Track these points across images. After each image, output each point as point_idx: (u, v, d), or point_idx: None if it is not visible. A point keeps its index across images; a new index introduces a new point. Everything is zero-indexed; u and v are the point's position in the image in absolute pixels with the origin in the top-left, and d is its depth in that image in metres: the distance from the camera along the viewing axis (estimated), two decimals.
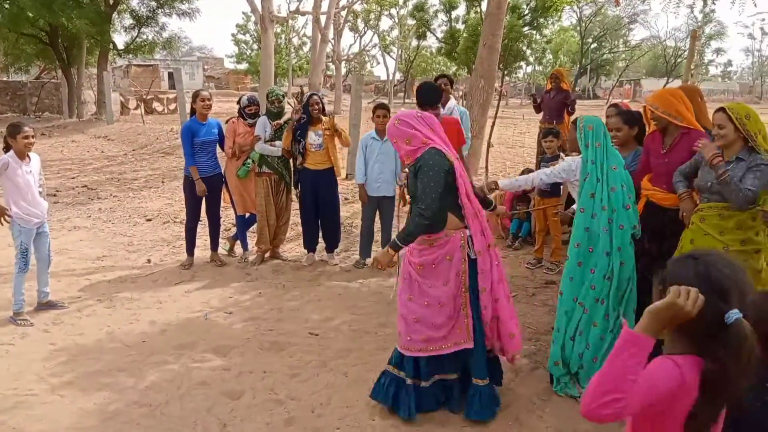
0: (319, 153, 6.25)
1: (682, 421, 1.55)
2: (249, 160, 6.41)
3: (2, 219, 4.89)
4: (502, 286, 3.54)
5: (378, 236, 6.72)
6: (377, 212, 6.47)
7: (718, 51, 54.44)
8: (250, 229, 6.92)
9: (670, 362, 1.55)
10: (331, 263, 6.51)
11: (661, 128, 4.14)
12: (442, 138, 3.44)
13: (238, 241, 6.83)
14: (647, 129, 4.68)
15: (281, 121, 6.38)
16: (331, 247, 6.61)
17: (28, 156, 5.02)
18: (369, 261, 6.49)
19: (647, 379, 1.54)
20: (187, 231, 6.49)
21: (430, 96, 5.08)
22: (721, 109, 3.55)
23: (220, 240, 6.79)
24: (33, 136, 4.99)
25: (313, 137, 6.18)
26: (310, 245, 6.63)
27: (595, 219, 3.68)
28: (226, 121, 6.70)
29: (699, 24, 40.23)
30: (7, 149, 4.98)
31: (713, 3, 10.91)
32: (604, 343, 3.66)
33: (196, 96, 6.41)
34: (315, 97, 6.36)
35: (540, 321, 5.00)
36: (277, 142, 6.29)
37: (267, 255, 6.66)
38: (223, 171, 6.56)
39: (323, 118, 6.31)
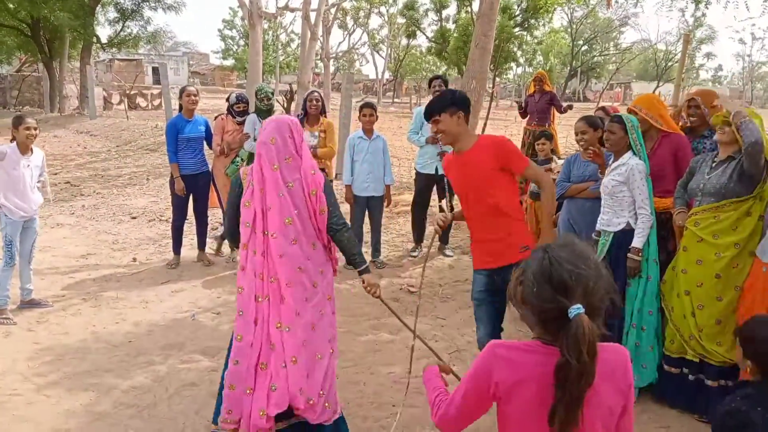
0: (312, 153, 6.27)
1: (534, 409, 1.60)
2: (237, 159, 6.42)
3: None
4: (288, 342, 2.96)
5: (367, 237, 6.74)
6: (366, 213, 6.50)
7: (709, 55, 55.13)
8: None
9: (487, 347, 1.69)
10: None
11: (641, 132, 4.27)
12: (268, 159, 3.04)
13: (226, 241, 6.81)
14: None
15: None
16: None
17: (31, 149, 5.09)
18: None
19: (469, 370, 1.74)
20: (174, 229, 6.49)
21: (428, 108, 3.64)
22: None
23: (208, 239, 6.77)
24: (36, 129, 5.06)
25: (308, 137, 6.19)
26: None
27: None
28: (215, 118, 6.70)
29: (690, 28, 40.67)
30: (13, 140, 5.06)
31: (706, 7, 11.07)
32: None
33: (182, 91, 6.45)
34: (315, 94, 6.42)
35: None
36: None
37: None
38: (210, 169, 6.56)
39: (322, 119, 6.34)
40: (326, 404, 3.04)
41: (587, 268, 1.57)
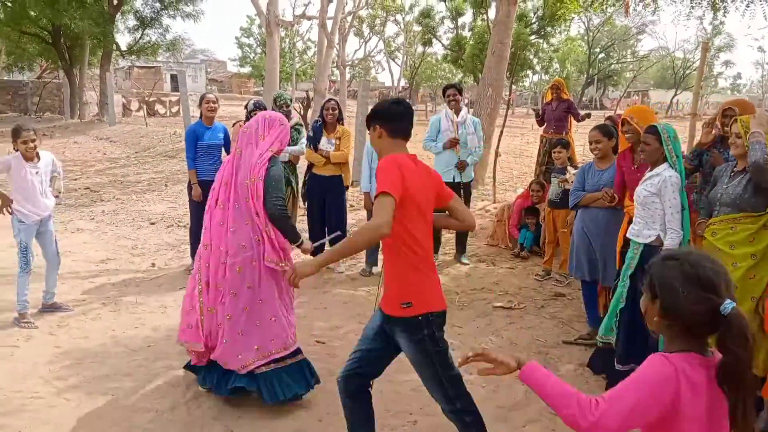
0: (326, 157, 6.30)
1: (703, 423, 1.58)
2: None
3: (5, 209, 4.91)
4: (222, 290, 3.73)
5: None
6: None
7: (728, 63, 54.77)
8: None
9: (660, 358, 1.63)
10: (337, 271, 6.54)
11: (631, 143, 4.26)
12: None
13: None
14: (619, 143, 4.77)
15: None
16: None
17: (37, 156, 5.09)
18: (375, 270, 6.53)
19: (636, 378, 1.62)
20: (192, 234, 6.53)
21: None
22: (735, 120, 3.66)
23: None
24: (33, 141, 5.01)
25: (324, 143, 6.24)
26: (316, 252, 6.66)
27: (684, 230, 3.77)
28: (233, 125, 6.76)
29: (708, 36, 40.37)
30: (17, 149, 5.07)
31: (724, 15, 11.00)
32: None
33: (202, 99, 6.50)
34: (332, 102, 6.43)
35: (549, 334, 5.02)
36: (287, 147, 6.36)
37: None
38: None
39: (338, 127, 6.36)
40: (239, 355, 3.67)
41: (718, 264, 1.64)
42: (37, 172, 5.09)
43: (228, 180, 3.76)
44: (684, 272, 1.61)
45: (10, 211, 4.94)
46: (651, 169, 3.86)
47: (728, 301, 1.55)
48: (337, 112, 6.33)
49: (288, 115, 6.49)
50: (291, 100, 6.69)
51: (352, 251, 2.75)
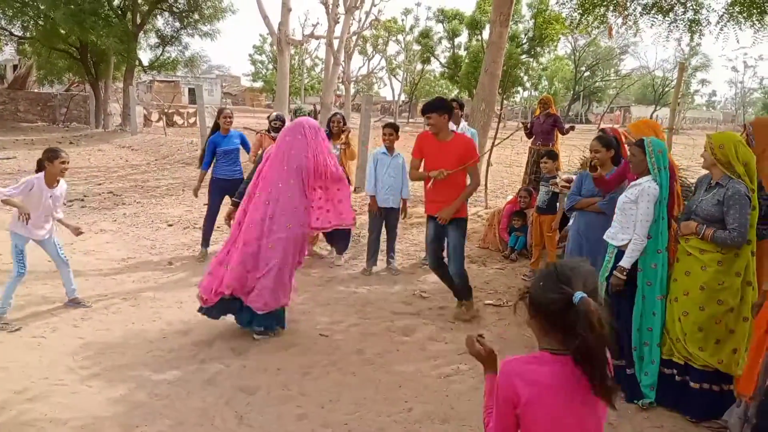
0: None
1: (559, 412, 1.66)
2: None
3: (22, 216, 4.71)
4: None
5: (384, 246, 6.75)
6: (383, 223, 6.54)
7: (704, 82, 54.97)
8: None
9: (504, 368, 1.73)
10: (337, 263, 6.66)
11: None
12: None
13: None
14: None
15: None
16: (340, 250, 6.66)
17: (57, 180, 4.95)
18: (375, 269, 6.53)
19: (496, 388, 1.75)
20: (206, 224, 6.86)
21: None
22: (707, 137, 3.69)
23: None
24: (68, 163, 4.91)
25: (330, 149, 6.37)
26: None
27: (661, 238, 3.75)
28: (257, 134, 7.20)
29: (686, 56, 40.44)
30: (39, 170, 4.90)
31: (699, 37, 11.04)
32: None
33: (220, 113, 6.85)
34: (338, 115, 6.90)
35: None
36: None
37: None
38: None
39: (342, 135, 6.72)
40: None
41: (582, 266, 1.71)
42: (51, 196, 4.91)
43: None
44: (547, 270, 1.74)
45: (27, 218, 4.72)
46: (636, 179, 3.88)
47: (579, 292, 1.61)
48: (341, 124, 6.86)
49: None
50: (310, 113, 7.11)
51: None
